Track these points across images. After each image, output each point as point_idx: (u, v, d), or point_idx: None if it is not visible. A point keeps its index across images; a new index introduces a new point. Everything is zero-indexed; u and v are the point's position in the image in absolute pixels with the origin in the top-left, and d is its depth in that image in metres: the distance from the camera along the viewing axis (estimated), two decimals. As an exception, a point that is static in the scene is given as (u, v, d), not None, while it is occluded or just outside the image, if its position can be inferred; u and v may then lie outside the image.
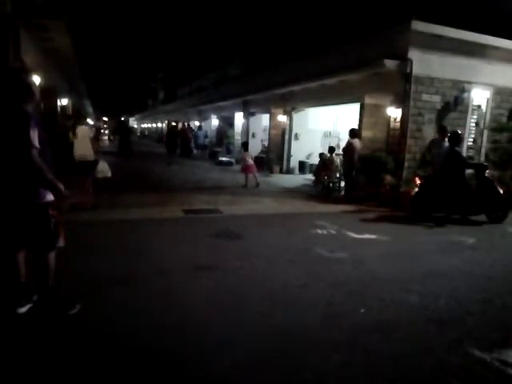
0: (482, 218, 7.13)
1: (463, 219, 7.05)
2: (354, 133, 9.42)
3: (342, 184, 9.99)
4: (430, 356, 2.68)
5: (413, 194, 7.32)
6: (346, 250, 5.07)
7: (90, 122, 40.61)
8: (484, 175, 7.12)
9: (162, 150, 20.33)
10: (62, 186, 2.89)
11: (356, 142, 9.29)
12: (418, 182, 7.27)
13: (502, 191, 7.02)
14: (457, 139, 7.04)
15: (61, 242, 2.99)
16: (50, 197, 2.87)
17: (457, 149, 6.96)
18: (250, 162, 11.03)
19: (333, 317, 3.19)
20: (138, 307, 3.21)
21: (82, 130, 8.24)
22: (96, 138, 8.31)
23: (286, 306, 3.37)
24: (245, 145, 11.74)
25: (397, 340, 2.87)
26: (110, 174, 8.11)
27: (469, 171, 7.30)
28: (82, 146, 7.92)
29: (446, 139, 7.55)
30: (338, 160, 10.49)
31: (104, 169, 7.95)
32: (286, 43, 17.46)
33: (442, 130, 8.04)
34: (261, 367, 2.48)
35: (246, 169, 10.96)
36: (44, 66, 10.90)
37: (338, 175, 10.38)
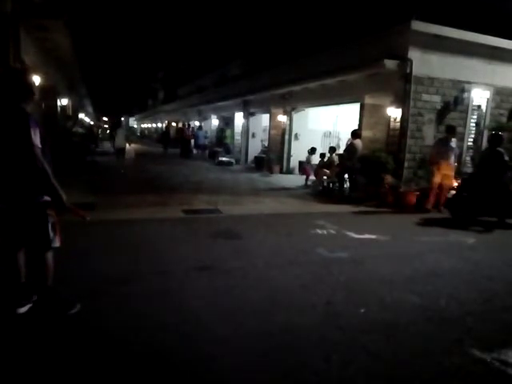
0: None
1: (500, 222, 6.75)
2: (355, 133, 9.47)
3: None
4: (430, 356, 2.68)
5: (451, 196, 7.26)
6: (346, 250, 5.07)
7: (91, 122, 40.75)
8: None
9: (162, 150, 22.66)
10: (64, 195, 2.84)
11: (358, 142, 9.32)
12: (457, 184, 7.16)
13: None
14: (498, 140, 6.89)
15: (57, 243, 2.97)
16: (48, 196, 2.86)
17: (499, 149, 6.76)
18: (308, 166, 12.10)
19: (333, 317, 3.18)
20: (137, 307, 3.21)
21: (121, 131, 14.79)
22: (126, 136, 15.46)
23: (286, 305, 3.37)
24: (313, 150, 12.67)
25: (397, 340, 2.87)
26: (133, 156, 16.08)
27: None
28: (120, 140, 14.26)
29: (454, 139, 7.50)
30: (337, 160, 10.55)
31: (130, 152, 15.29)
32: (286, 43, 17.44)
33: (449, 129, 8.03)
34: (261, 367, 2.48)
35: (304, 171, 12.17)
36: (44, 66, 10.89)
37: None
